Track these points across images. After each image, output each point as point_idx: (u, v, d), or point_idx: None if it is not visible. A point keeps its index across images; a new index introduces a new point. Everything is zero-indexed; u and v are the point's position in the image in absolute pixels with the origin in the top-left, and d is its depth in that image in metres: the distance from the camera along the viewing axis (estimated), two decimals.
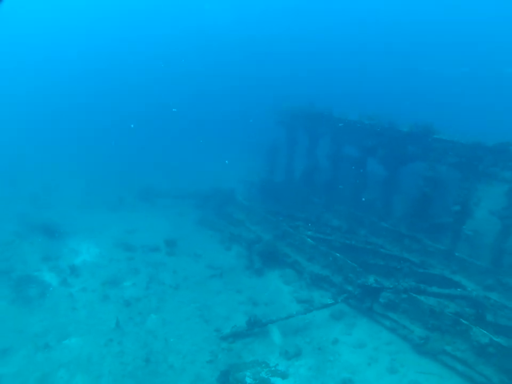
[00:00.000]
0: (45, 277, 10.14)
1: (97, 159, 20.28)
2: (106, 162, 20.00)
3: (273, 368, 7.44)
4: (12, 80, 32.87)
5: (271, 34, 40.25)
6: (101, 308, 9.04)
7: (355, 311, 9.19)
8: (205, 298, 9.65)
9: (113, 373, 7.13)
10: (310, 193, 14.16)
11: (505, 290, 8.83)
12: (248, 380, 7.11)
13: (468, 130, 9.53)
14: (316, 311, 8.88)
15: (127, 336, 8.11)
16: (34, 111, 28.28)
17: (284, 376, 7.28)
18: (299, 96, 15.28)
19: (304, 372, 7.40)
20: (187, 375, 7.21)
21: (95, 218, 14.04)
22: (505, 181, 8.74)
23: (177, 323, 8.64)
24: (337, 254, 10.18)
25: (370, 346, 8.12)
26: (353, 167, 12.25)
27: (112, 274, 10.41)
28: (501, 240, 9.07)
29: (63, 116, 28.23)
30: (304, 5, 42.11)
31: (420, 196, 10.44)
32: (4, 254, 11.11)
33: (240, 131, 24.50)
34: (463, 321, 7.61)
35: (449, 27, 37.35)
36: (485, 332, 7.24)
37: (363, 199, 12.13)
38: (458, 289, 8.89)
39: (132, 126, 23.01)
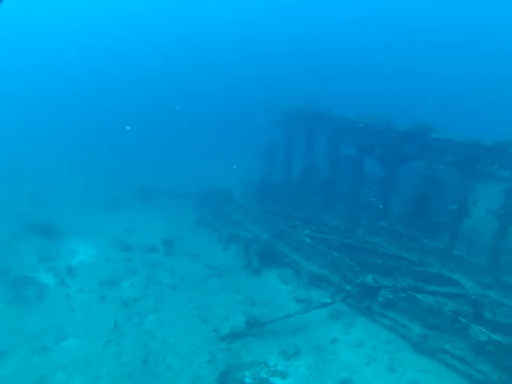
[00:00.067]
0: (42, 278, 10.08)
1: (96, 159, 20.20)
2: (105, 162, 19.91)
3: (272, 368, 7.43)
4: (11, 80, 32.71)
5: (271, 34, 40.26)
6: (98, 309, 8.99)
7: (353, 310, 9.19)
8: (203, 298, 9.62)
9: (111, 374, 7.09)
10: (308, 192, 14.15)
11: (503, 288, 8.86)
12: (247, 380, 7.09)
13: (468, 130, 9.54)
14: (314, 311, 8.87)
15: (125, 337, 8.06)
16: (33, 111, 28.17)
17: (283, 376, 7.26)
18: (299, 96, 15.31)
19: (303, 371, 7.39)
20: (186, 375, 7.18)
21: (93, 218, 13.98)
22: (503, 180, 8.78)
23: (175, 323, 8.61)
24: (335, 253, 10.17)
25: (369, 345, 8.12)
26: (351, 167, 12.25)
27: (110, 274, 10.36)
28: (499, 239, 9.09)
29: (63, 115, 28.13)
30: (304, 5, 42.14)
31: (418, 194, 10.45)
32: (0, 254, 11.03)
33: (239, 131, 24.46)
34: (461, 319, 7.63)
35: (449, 27, 37.44)
36: (484, 329, 7.25)
37: (373, 199, 11.99)
38: (457, 287, 8.91)
39: (128, 128, 22.87)
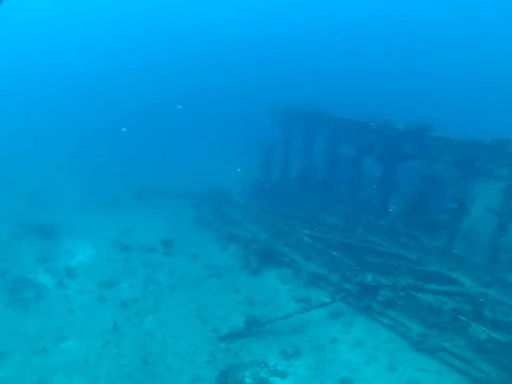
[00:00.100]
0: (40, 279, 10.06)
1: (95, 159, 20.16)
2: (104, 162, 19.89)
3: (272, 368, 7.42)
4: (11, 80, 32.66)
5: (271, 34, 40.26)
6: (97, 310, 8.97)
7: (353, 310, 9.17)
8: (202, 298, 9.60)
9: (111, 375, 7.07)
10: (306, 192, 14.15)
11: (503, 286, 8.85)
12: (247, 380, 7.08)
13: (468, 130, 9.54)
14: (314, 310, 8.85)
15: (124, 338, 8.05)
16: (32, 111, 28.13)
17: (283, 375, 7.25)
18: (299, 96, 15.31)
19: (303, 371, 7.38)
20: (185, 376, 7.16)
21: (92, 218, 13.95)
22: (501, 178, 8.77)
23: (174, 324, 8.59)
24: (335, 253, 10.16)
25: (369, 345, 8.11)
26: (349, 166, 12.25)
27: (109, 275, 10.34)
28: (498, 237, 9.09)
29: (62, 115, 28.09)
30: (304, 5, 42.14)
31: (417, 193, 10.45)
32: None
33: (238, 131, 24.45)
34: (461, 317, 7.63)
35: (449, 27, 37.46)
36: (483, 328, 7.25)
37: (391, 208, 11.76)
38: (457, 286, 8.91)
39: (124, 129, 22.78)
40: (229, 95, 32.29)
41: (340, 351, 7.94)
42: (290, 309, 9.01)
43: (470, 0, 37.81)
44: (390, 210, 11.80)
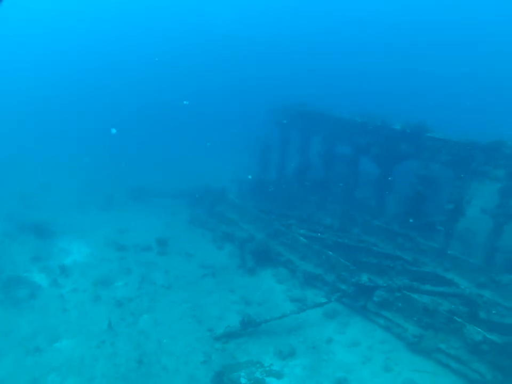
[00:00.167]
0: (34, 278, 9.97)
1: (90, 158, 20.02)
2: (99, 161, 19.77)
3: (267, 368, 7.39)
4: (10, 80, 32.43)
5: (270, 34, 40.23)
6: (92, 309, 8.90)
7: (348, 310, 9.17)
8: (197, 298, 9.56)
9: (106, 375, 7.01)
10: (302, 191, 14.13)
11: (498, 287, 8.88)
12: (242, 380, 7.04)
13: (468, 130, 9.56)
14: (309, 310, 8.84)
15: (119, 337, 7.98)
16: (26, 110, 27.91)
17: (278, 376, 7.23)
18: (299, 96, 15.24)
19: (298, 371, 7.36)
20: (181, 376, 7.12)
21: (86, 217, 13.87)
22: (497, 179, 8.79)
23: (169, 323, 8.54)
24: (330, 253, 10.15)
25: (365, 345, 8.11)
26: (346, 165, 12.24)
27: (104, 274, 10.26)
28: (493, 239, 9.12)
29: (57, 115, 27.91)
30: (304, 4, 42.13)
31: (413, 194, 10.46)
32: None
33: (237, 130, 24.39)
34: (456, 319, 7.63)
35: (449, 27, 37.57)
36: (479, 329, 7.26)
37: (411, 220, 11.12)
38: (452, 287, 8.93)
39: (114, 131, 22.52)
40: (228, 94, 32.23)
41: (335, 351, 7.93)
42: (285, 308, 8.99)
43: (470, 0, 37.93)
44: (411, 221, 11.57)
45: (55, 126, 25.35)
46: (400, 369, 7.42)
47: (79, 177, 17.65)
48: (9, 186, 16.08)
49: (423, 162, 10.11)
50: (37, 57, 37.87)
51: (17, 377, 6.89)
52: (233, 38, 38.57)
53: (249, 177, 15.06)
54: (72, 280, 10.01)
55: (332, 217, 12.78)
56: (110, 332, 8.12)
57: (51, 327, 8.19)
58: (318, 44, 39.34)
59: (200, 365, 7.39)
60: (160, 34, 41.61)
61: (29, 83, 32.60)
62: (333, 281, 9.76)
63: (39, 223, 12.36)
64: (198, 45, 38.93)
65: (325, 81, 32.57)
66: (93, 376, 6.95)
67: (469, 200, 9.33)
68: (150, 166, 20.00)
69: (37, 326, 8.20)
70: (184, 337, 8.13)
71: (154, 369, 7.23)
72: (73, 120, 27.10)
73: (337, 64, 36.66)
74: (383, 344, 8.12)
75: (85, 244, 11.95)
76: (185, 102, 26.80)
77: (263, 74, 34.85)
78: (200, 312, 8.98)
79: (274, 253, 11.22)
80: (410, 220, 10.62)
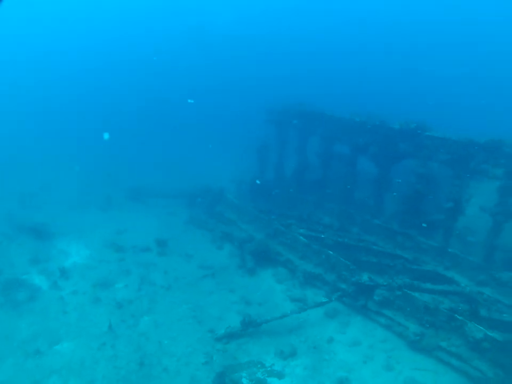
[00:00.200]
0: (34, 280, 9.93)
1: (88, 159, 19.97)
2: (97, 162, 19.72)
3: (269, 368, 7.38)
4: (9, 80, 32.32)
5: (270, 34, 40.22)
6: (92, 311, 8.87)
7: (349, 309, 9.17)
8: (197, 298, 9.54)
9: (107, 377, 6.99)
10: (301, 191, 14.12)
11: (498, 285, 8.89)
12: (244, 380, 7.04)
13: (468, 130, 9.57)
14: (310, 310, 8.83)
15: (120, 339, 7.96)
16: (26, 110, 27.83)
17: (280, 376, 7.22)
18: (299, 96, 15.24)
19: (300, 371, 7.36)
20: (182, 377, 7.10)
21: (85, 218, 13.82)
22: (496, 178, 8.80)
23: (170, 325, 8.52)
24: (330, 252, 10.14)
25: (366, 344, 8.11)
26: (344, 165, 12.24)
27: (103, 276, 10.24)
28: (493, 237, 9.13)
29: (56, 115, 27.83)
30: (304, 4, 42.13)
31: (412, 192, 10.46)
32: None
33: (236, 130, 24.36)
34: (457, 316, 7.64)
35: (449, 27, 37.62)
36: (480, 327, 7.27)
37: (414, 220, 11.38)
38: (453, 285, 8.94)
39: (107, 136, 22.31)
40: (228, 94, 32.21)
41: (336, 351, 7.92)
42: (286, 308, 8.98)
43: (470, 0, 37.99)
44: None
45: (55, 126, 25.28)
46: (402, 368, 7.43)
47: (78, 178, 17.60)
48: (8, 186, 16.03)
49: (422, 161, 10.11)
50: (36, 57, 37.75)
51: (18, 380, 6.86)
52: (233, 37, 38.54)
53: (258, 182, 14.98)
54: (72, 282, 9.97)
55: (330, 216, 12.78)
56: (111, 333, 8.10)
57: (51, 329, 8.16)
58: (317, 44, 39.38)
59: (202, 366, 7.38)
60: (160, 34, 41.59)
61: (29, 83, 32.52)
62: (333, 281, 9.76)
63: (38, 224, 12.32)
64: (197, 44, 38.90)
65: (324, 81, 32.58)
66: (94, 379, 6.93)
67: (468, 198, 9.34)
68: (149, 166, 19.96)
69: (37, 328, 8.18)
70: (184, 338, 8.11)
71: (155, 371, 7.21)
72: (73, 120, 27.01)
73: (337, 64, 36.70)
74: (384, 343, 8.12)
75: (84, 245, 11.91)
76: (190, 101, 26.68)
77: (263, 74, 34.82)
78: (201, 313, 8.96)
79: (274, 252, 11.20)
80: (414, 220, 10.60)
